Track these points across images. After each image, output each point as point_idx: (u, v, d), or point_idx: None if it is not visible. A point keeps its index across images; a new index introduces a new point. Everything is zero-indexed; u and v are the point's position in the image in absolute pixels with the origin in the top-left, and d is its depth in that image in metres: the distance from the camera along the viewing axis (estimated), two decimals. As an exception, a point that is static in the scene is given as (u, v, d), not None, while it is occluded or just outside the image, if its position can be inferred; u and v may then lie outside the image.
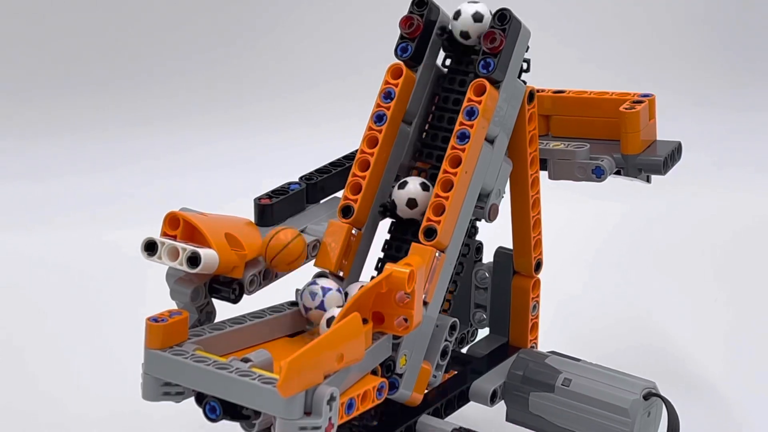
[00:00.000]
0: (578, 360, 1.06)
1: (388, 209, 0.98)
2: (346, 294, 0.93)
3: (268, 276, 0.95)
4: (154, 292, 1.06)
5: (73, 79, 2.09)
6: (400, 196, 0.97)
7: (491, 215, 1.00)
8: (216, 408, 0.82)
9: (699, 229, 1.70)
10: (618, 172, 1.12)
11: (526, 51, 0.99)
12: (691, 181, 1.73)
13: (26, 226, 1.71)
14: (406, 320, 0.87)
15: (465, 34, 0.99)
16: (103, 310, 1.46)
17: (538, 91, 1.05)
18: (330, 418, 0.79)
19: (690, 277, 1.56)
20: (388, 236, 1.00)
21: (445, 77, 1.01)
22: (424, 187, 0.97)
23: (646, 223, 1.72)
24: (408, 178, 0.97)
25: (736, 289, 1.53)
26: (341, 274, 0.96)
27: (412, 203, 0.96)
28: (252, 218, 0.99)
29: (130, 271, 1.48)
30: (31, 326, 1.42)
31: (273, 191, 1.02)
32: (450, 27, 1.00)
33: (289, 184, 1.03)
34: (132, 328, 1.05)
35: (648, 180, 1.14)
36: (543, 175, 1.09)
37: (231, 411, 0.82)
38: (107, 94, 2.08)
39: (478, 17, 0.98)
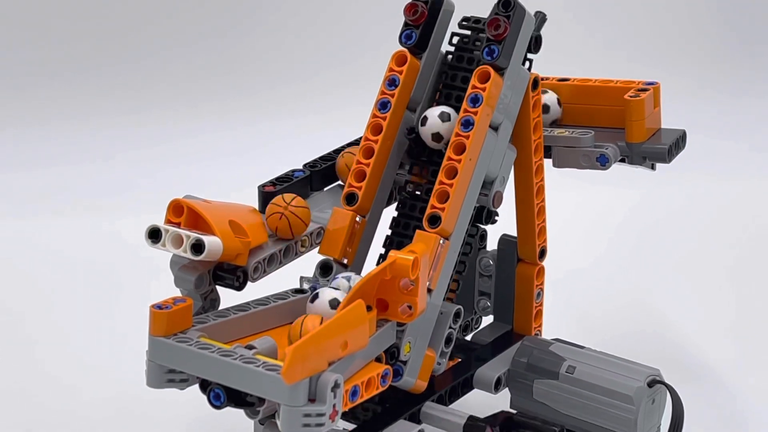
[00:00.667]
0: (582, 347, 1.06)
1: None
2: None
3: (272, 263, 0.95)
4: (158, 280, 1.07)
5: (76, 66, 2.08)
6: (424, 133, 0.97)
7: (495, 202, 1.00)
8: (220, 395, 0.82)
9: (707, 218, 1.69)
10: (623, 160, 1.12)
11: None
12: (699, 169, 1.73)
13: (31, 214, 1.71)
14: (410, 307, 0.87)
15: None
16: (108, 297, 1.46)
17: (542, 78, 1.04)
18: (334, 405, 0.79)
19: (696, 265, 1.55)
20: (395, 213, 0.99)
21: (450, 64, 1.01)
22: (444, 117, 0.97)
23: (653, 211, 1.71)
24: (427, 113, 0.98)
25: (743, 278, 1.52)
26: (345, 261, 0.96)
27: (437, 137, 0.97)
28: (256, 206, 0.99)
29: (134, 259, 1.48)
30: (38, 314, 1.42)
31: (277, 178, 1.02)
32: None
33: (293, 171, 1.03)
34: (136, 316, 1.05)
35: (653, 168, 1.13)
36: (548, 162, 1.09)
37: (235, 398, 0.82)
38: (111, 82, 2.08)
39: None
